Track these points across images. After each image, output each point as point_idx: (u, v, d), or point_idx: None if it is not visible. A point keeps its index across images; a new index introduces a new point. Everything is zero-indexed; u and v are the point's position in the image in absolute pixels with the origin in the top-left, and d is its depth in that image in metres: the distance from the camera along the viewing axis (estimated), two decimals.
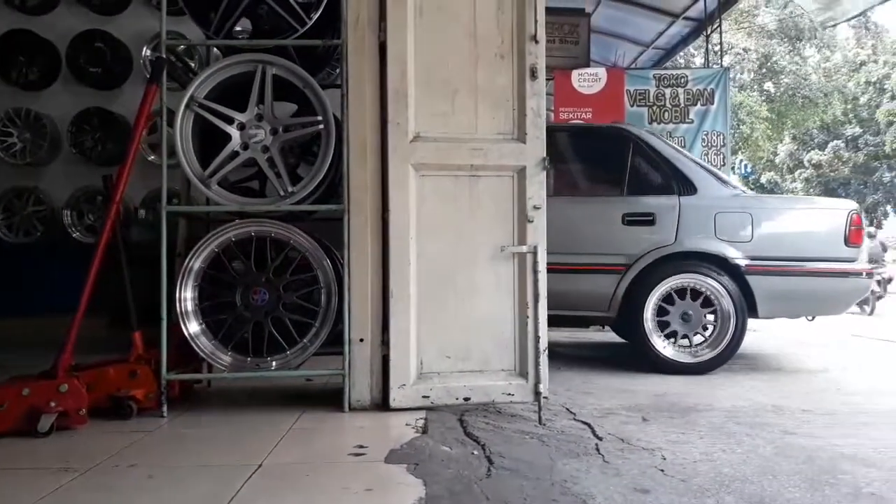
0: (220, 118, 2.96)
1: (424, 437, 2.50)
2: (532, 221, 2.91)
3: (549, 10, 3.10)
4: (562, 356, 4.79)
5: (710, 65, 8.63)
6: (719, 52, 8.79)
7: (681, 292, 4.17)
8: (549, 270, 3.50)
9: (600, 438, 2.65)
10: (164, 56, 2.96)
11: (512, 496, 1.95)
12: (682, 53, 16.02)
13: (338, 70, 3.28)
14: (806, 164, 32.62)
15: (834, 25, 6.61)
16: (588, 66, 7.68)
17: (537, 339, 2.89)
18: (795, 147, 34.66)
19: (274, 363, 2.97)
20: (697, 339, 4.23)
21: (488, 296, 2.93)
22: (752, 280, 4.11)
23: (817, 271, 4.14)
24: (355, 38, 2.94)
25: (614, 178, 4.47)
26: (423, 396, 2.86)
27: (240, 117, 2.96)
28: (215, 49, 3.53)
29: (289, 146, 3.17)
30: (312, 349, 2.96)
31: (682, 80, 7.35)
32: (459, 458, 2.27)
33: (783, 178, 35.44)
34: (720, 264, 4.15)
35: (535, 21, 2.92)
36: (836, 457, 2.42)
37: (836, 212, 4.29)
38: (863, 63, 31.16)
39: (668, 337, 4.20)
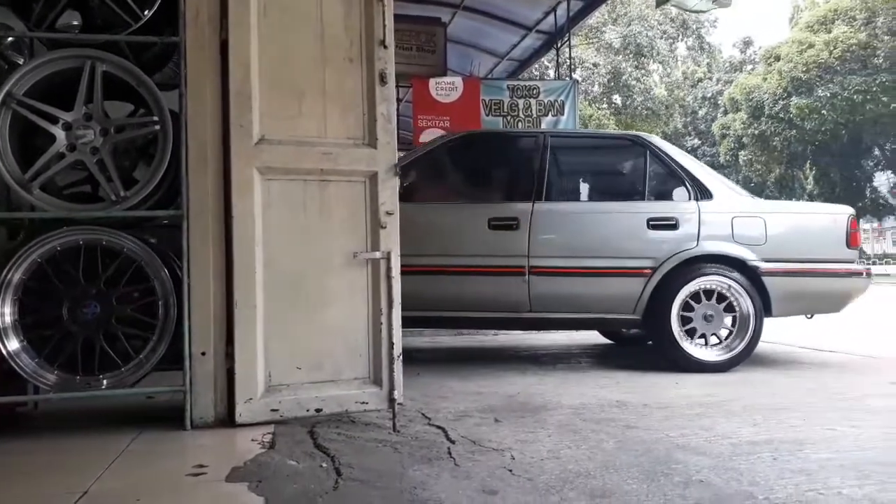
0: (43, 117, 2.71)
1: (271, 452, 2.40)
2: (385, 227, 2.89)
3: (405, 18, 3.11)
4: (420, 361, 4.80)
5: (563, 77, 9.00)
6: (569, 66, 9.19)
7: (706, 294, 4.31)
8: (576, 275, 3.92)
9: (453, 442, 2.65)
10: None
11: None
12: (536, 66, 16.70)
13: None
14: None
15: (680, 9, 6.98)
16: (445, 74, 7.80)
17: (391, 345, 2.86)
18: None
19: (105, 381, 2.74)
20: (714, 339, 4.37)
21: (341, 303, 2.87)
22: (768, 281, 4.30)
23: (824, 271, 4.40)
24: (195, 35, 2.79)
25: (635, 185, 4.60)
26: (272, 410, 2.75)
27: (65, 116, 2.73)
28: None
29: (123, 148, 2.96)
30: (149, 365, 2.77)
31: (535, 91, 7.62)
32: (306, 472, 2.20)
33: None
34: (739, 267, 4.33)
35: (384, 26, 2.90)
36: (671, 448, 2.55)
37: (838, 216, 4.57)
38: (700, 80, 33.87)
39: (691, 336, 4.30)
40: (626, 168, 4.77)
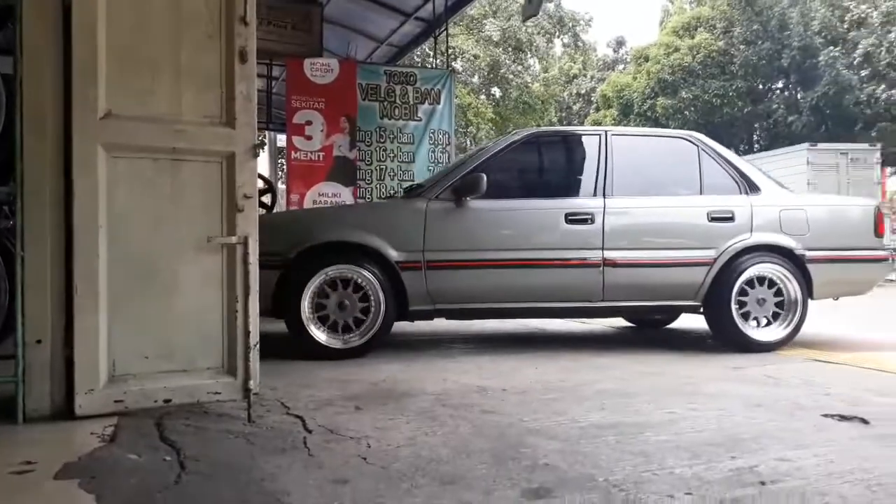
0: None
1: (111, 445, 2.26)
2: (242, 211, 2.79)
3: None
4: (286, 350, 4.70)
5: (448, 66, 9.03)
6: (447, 54, 9.24)
7: (758, 280, 4.70)
8: (647, 265, 4.48)
9: (310, 431, 2.61)
10: None
11: (200, 501, 1.84)
12: (419, 54, 16.69)
13: None
14: None
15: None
16: (321, 55, 7.63)
17: (247, 333, 2.77)
18: None
19: None
20: (764, 321, 4.74)
21: (194, 290, 2.75)
22: (812, 267, 4.72)
23: (858, 258, 4.87)
24: None
25: (692, 180, 4.89)
26: (116, 401, 2.60)
27: None
28: None
29: None
30: None
31: (412, 78, 7.61)
32: (147, 466, 2.09)
33: None
34: (787, 255, 4.72)
35: (245, 2, 2.79)
36: (523, 432, 2.63)
37: (866, 208, 5.04)
38: (574, 76, 35.05)
39: (745, 319, 4.67)
40: (682, 165, 5.01)
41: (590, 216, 4.61)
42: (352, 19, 8.97)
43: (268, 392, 3.28)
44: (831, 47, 22.71)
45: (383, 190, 7.39)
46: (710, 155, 4.97)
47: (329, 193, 7.12)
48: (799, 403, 3.12)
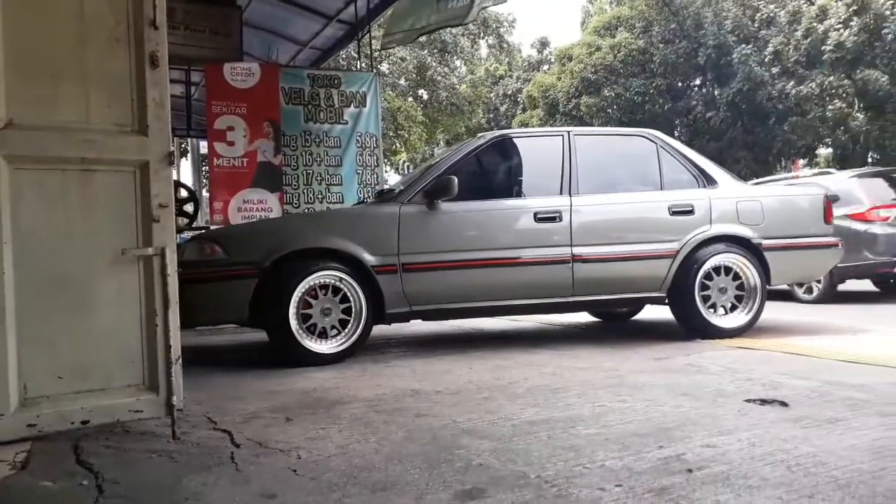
0: None
1: (22, 473, 2.15)
2: (158, 221, 2.68)
3: None
4: (221, 360, 4.58)
5: (371, 69, 8.97)
6: (372, 57, 9.18)
7: (717, 270, 4.92)
8: (614, 260, 4.71)
9: (238, 446, 2.54)
10: None
11: None
12: (344, 57, 16.55)
13: None
14: None
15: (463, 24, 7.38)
16: (242, 60, 7.47)
17: (168, 348, 2.67)
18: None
19: None
20: (723, 309, 4.99)
21: (110, 305, 2.63)
22: (768, 255, 4.97)
23: (810, 245, 5.12)
24: None
25: (652, 176, 5.11)
26: (29, 425, 2.47)
27: None
28: None
29: None
30: None
31: (336, 81, 7.52)
32: (61, 493, 1.99)
33: None
34: (745, 244, 4.97)
35: (154, 5, 2.69)
36: (457, 433, 2.62)
37: (816, 196, 5.28)
38: (501, 77, 35.43)
39: (708, 307, 4.89)
40: (642, 161, 5.19)
41: (557, 214, 4.77)
42: (273, 23, 8.81)
43: (194, 407, 3.18)
44: (743, 45, 23.62)
45: (311, 195, 7.28)
46: (668, 151, 5.20)
47: (254, 200, 6.97)
48: (722, 390, 3.22)
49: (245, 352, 5.42)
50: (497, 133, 5.17)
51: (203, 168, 13.36)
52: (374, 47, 9.09)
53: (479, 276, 4.62)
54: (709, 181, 5.14)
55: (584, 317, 6.57)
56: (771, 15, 24.21)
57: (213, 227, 6.90)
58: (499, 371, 3.93)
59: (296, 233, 4.53)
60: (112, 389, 2.63)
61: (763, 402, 2.96)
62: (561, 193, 4.88)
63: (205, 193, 11.41)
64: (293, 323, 4.27)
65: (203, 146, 11.00)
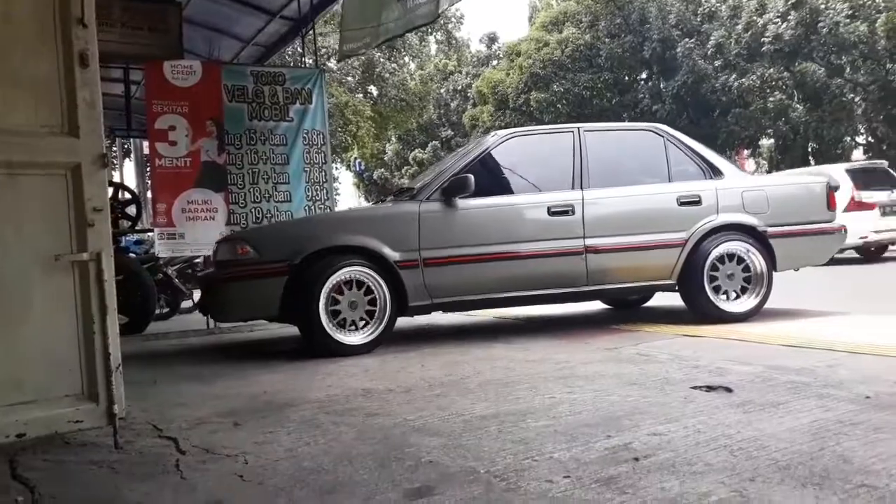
0: None
1: None
2: (93, 225, 2.59)
3: None
4: (170, 366, 4.48)
5: (317, 65, 8.85)
6: (317, 53, 9.08)
7: (725, 257, 5.05)
8: (626, 250, 4.96)
9: (183, 453, 2.48)
10: None
11: None
12: (290, 54, 16.33)
13: None
14: (411, 161, 36.10)
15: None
16: (182, 57, 7.29)
17: (107, 356, 2.58)
18: (401, 146, 38.10)
19: None
20: (733, 294, 5.12)
21: (44, 313, 2.53)
22: (774, 242, 5.10)
23: (814, 231, 5.26)
24: None
25: (660, 168, 5.24)
26: None
27: None
28: None
29: None
30: None
31: (280, 78, 7.39)
32: None
33: (392, 174, 38.71)
34: (751, 232, 5.10)
35: (82, 3, 2.59)
36: (407, 431, 2.60)
37: (819, 185, 5.38)
38: (450, 73, 35.47)
39: (717, 293, 5.03)
40: (650, 155, 5.32)
41: (570, 207, 4.94)
42: (214, 19, 8.62)
43: (138, 414, 3.10)
44: (687, 39, 24.13)
45: (257, 194, 7.15)
46: (675, 144, 5.35)
47: (199, 200, 6.80)
48: (669, 378, 3.27)
49: (194, 356, 5.30)
50: (509, 131, 5.32)
51: (147, 169, 13.04)
52: (319, 46, 8.97)
53: (497, 269, 4.81)
54: (715, 172, 5.31)
55: (538, 310, 6.60)
56: (713, 9, 24.76)
57: (157, 230, 6.72)
58: (451, 367, 3.92)
59: (322, 231, 4.77)
60: (49, 400, 2.53)
61: (709, 388, 3.02)
62: (573, 188, 5.05)
63: (148, 195, 11.13)
64: (323, 317, 4.49)
65: (147, 146, 10.73)
